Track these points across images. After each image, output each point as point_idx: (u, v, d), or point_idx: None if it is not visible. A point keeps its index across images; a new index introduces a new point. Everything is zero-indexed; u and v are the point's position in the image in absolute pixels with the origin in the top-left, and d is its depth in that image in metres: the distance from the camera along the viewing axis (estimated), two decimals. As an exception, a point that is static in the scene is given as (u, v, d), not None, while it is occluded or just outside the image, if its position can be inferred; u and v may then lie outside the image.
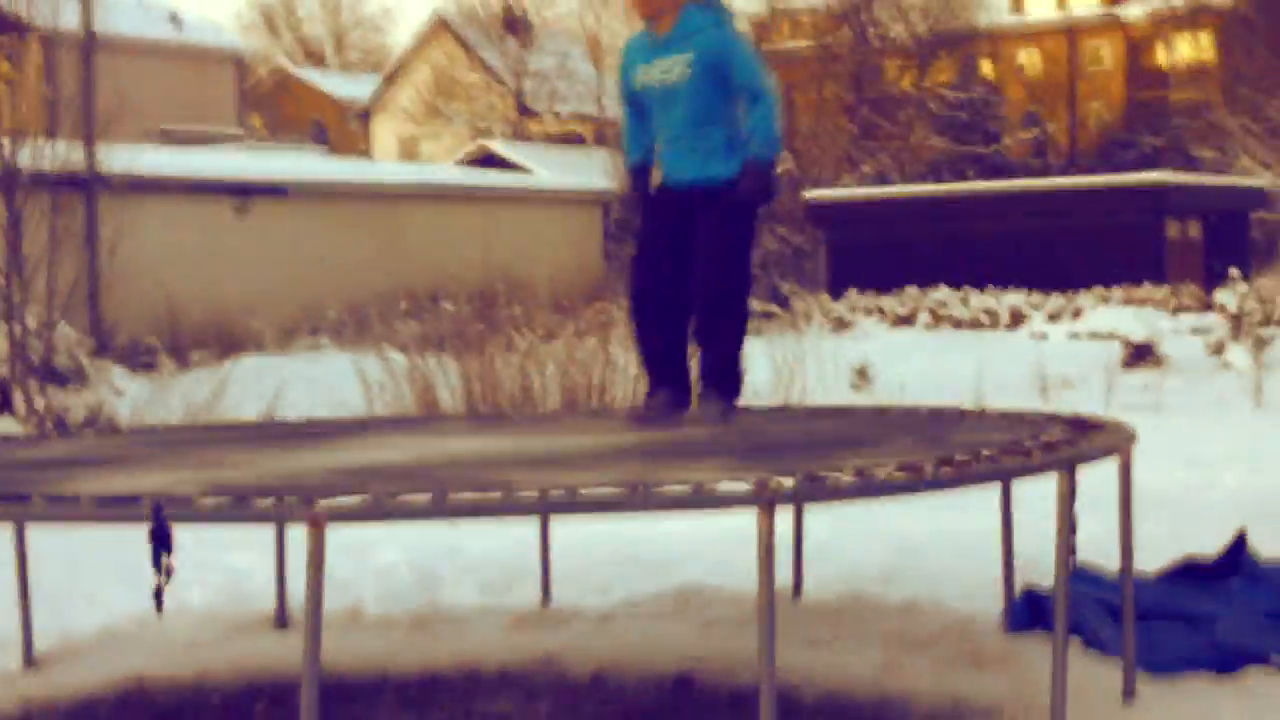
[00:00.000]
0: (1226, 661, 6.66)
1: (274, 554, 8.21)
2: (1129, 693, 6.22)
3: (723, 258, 6.95)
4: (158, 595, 7.88)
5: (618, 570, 8.81)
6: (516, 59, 60.88)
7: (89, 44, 27.02)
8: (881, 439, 6.65)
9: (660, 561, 8.89)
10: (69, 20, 24.74)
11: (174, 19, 58.04)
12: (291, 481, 5.68)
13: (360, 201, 35.35)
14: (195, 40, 58.34)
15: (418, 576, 9.14)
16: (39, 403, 16.42)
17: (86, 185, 21.95)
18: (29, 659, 7.42)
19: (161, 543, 5.03)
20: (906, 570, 8.94)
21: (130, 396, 17.52)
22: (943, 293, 36.91)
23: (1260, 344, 21.10)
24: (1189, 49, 59.51)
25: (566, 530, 8.55)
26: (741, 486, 5.08)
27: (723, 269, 6.97)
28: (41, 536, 7.39)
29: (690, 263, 7.03)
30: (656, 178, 7.28)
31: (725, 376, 7.35)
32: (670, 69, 6.84)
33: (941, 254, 39.88)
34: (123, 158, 23.25)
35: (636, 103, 7.15)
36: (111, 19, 32.88)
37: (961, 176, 49.62)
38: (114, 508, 5.19)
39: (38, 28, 20.90)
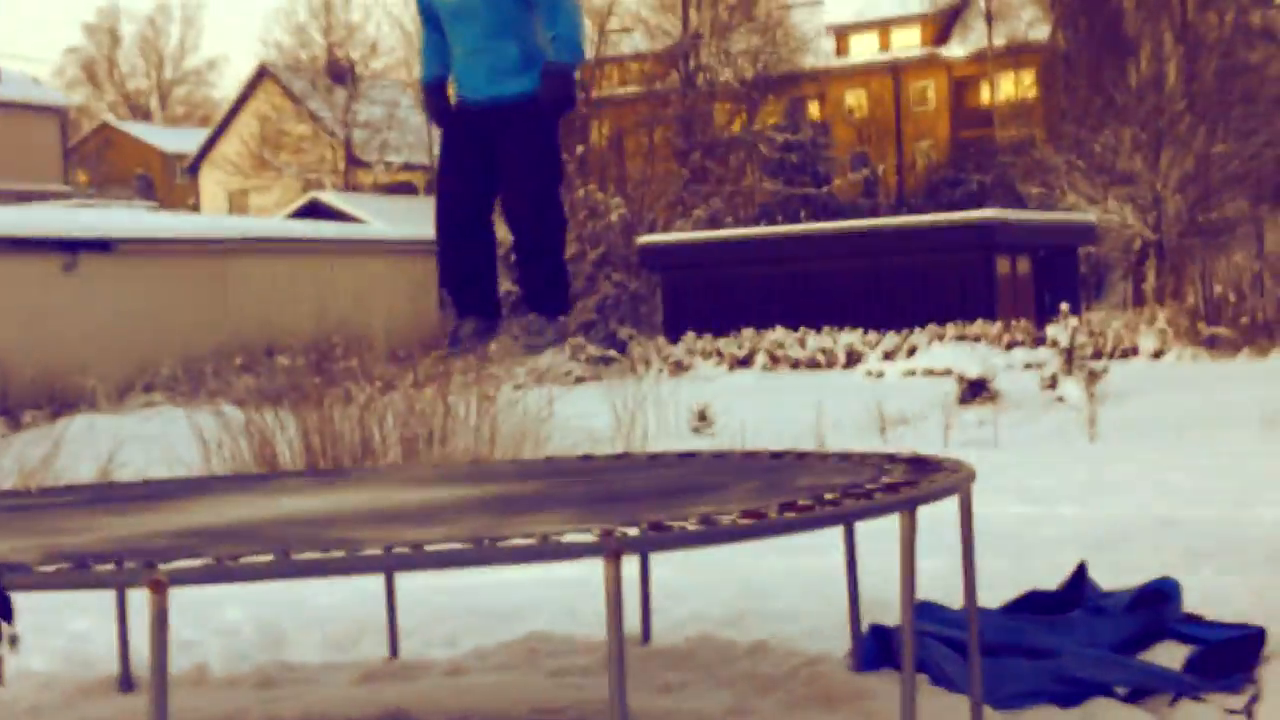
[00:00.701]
0: (1071, 694, 6.76)
1: (115, 617, 8.16)
2: (976, 728, 6.35)
3: (531, 175, 6.74)
4: (-2, 665, 7.81)
5: (465, 621, 8.78)
6: (344, 109, 60.62)
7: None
8: (724, 484, 6.74)
9: (507, 611, 8.88)
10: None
11: (-4, 74, 57.24)
12: (131, 546, 5.66)
13: (189, 255, 35.02)
14: (16, 95, 57.49)
15: (262, 634, 9.06)
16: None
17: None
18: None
19: (2, 613, 5.01)
20: (754, 612, 9.00)
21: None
22: (779, 334, 37.20)
23: (1092, 377, 21.49)
24: (1011, 87, 60.49)
25: (412, 582, 8.53)
26: (586, 537, 5.15)
27: (534, 186, 6.76)
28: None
29: (496, 182, 6.85)
30: (454, 95, 7.04)
31: (552, 288, 7.13)
32: None
33: (776, 295, 40.19)
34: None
35: (432, 14, 6.86)
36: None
37: (794, 218, 50.02)
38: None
39: None
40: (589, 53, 59.16)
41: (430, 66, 7.02)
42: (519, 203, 6.79)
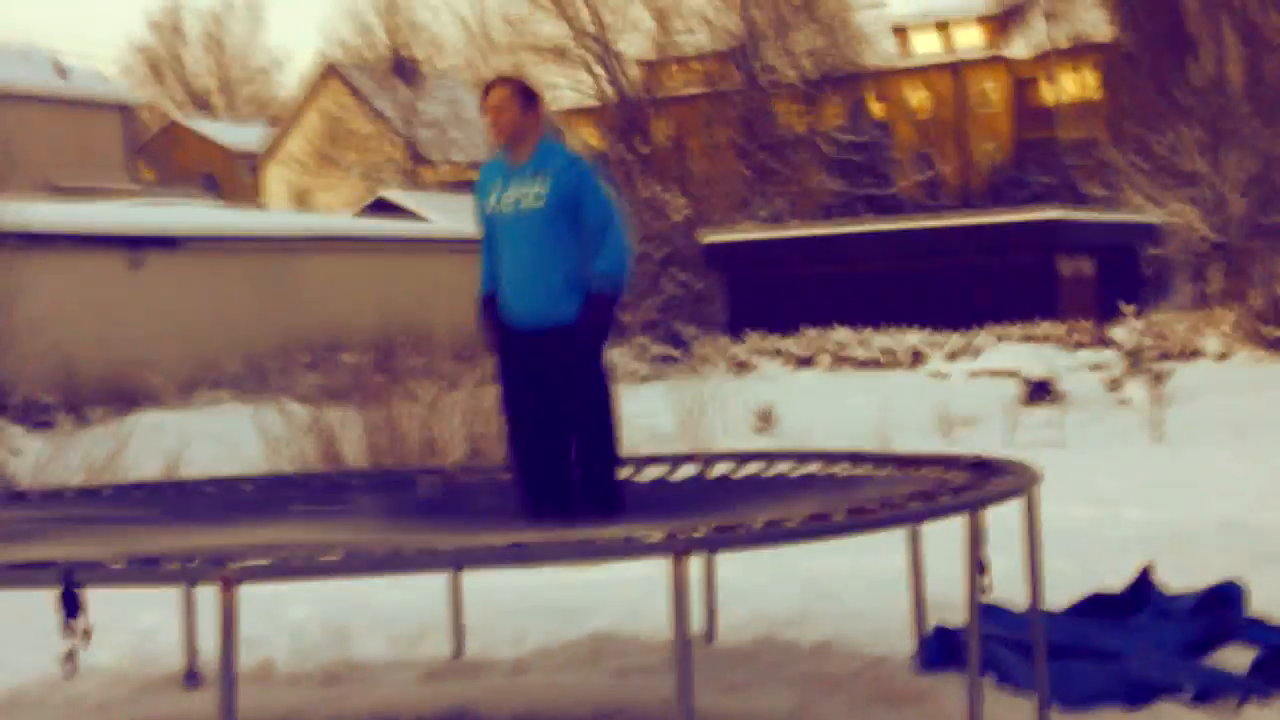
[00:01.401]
0: (1137, 695, 6.75)
1: (181, 613, 8.22)
2: (1042, 728, 6.35)
3: (574, 399, 6.86)
4: (69, 659, 7.91)
5: (529, 620, 8.80)
6: (408, 107, 60.72)
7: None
8: (790, 486, 6.76)
9: (571, 610, 8.90)
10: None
11: (59, 68, 57.35)
12: (200, 543, 5.72)
13: (254, 252, 35.10)
14: (81, 90, 57.68)
15: (328, 631, 9.10)
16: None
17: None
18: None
19: (73, 608, 5.07)
20: (818, 612, 8.99)
21: (29, 455, 17.35)
22: (842, 334, 37.11)
23: (1157, 379, 21.36)
24: (1074, 86, 60.13)
25: (477, 581, 8.56)
26: (654, 536, 5.19)
27: (578, 410, 6.87)
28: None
29: (553, 393, 6.89)
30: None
31: (597, 503, 7.01)
32: (524, 196, 6.73)
33: (840, 294, 40.02)
34: (12, 211, 23.04)
35: (488, 225, 7.01)
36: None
37: (856, 217, 49.91)
38: (24, 573, 5.22)
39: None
40: (654, 53, 59.46)
41: (485, 283, 7.11)
42: (564, 424, 6.88)
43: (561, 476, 6.91)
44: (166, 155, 72.27)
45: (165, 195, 54.52)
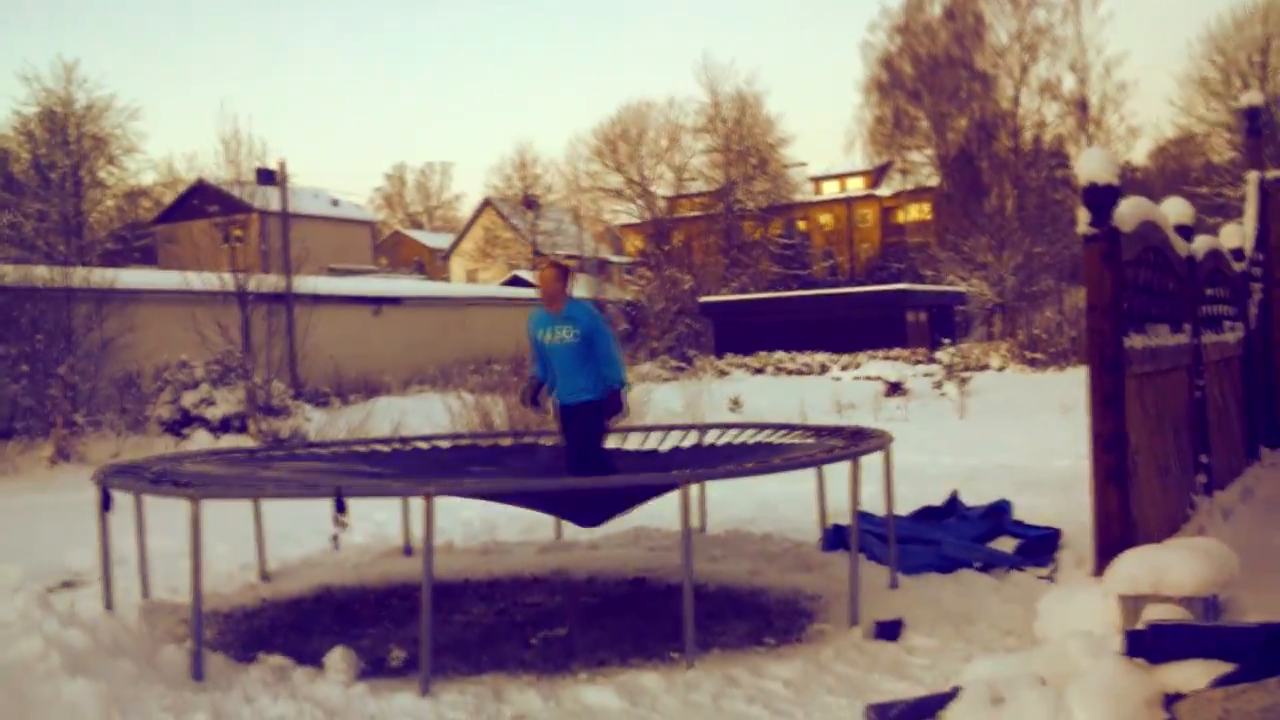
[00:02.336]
0: (948, 566, 6.79)
1: (401, 513, 8.29)
2: (894, 585, 6.35)
3: (582, 442, 6.79)
4: (335, 538, 7.97)
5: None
6: (531, 224, 60.86)
7: (285, 218, 27.01)
8: (748, 445, 6.81)
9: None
10: (274, 204, 24.82)
11: (334, 201, 57.86)
12: (411, 472, 5.80)
13: (444, 307, 35.28)
14: (346, 214, 58.09)
15: (484, 524, 9.18)
16: (263, 426, 16.37)
17: (287, 300, 21.94)
18: (263, 575, 7.45)
19: (340, 508, 5.12)
20: (764, 516, 9.02)
21: (315, 422, 17.48)
22: (780, 354, 37.08)
23: (962, 381, 21.34)
24: (916, 212, 59.96)
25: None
26: (669, 477, 5.23)
27: (580, 447, 6.78)
28: (268, 505, 7.43)
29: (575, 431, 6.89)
30: (550, 395, 7.08)
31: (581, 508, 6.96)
32: (563, 335, 6.73)
33: (779, 331, 40.25)
34: (307, 283, 23.27)
35: (539, 347, 6.95)
36: (298, 201, 32.82)
37: (788, 288, 50.04)
38: (313, 489, 5.28)
39: (256, 209, 20.90)
40: (673, 192, 59.58)
41: (535, 372, 7.07)
42: (571, 459, 6.83)
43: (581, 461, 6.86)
44: (394, 251, 72.46)
45: (393, 274, 54.76)
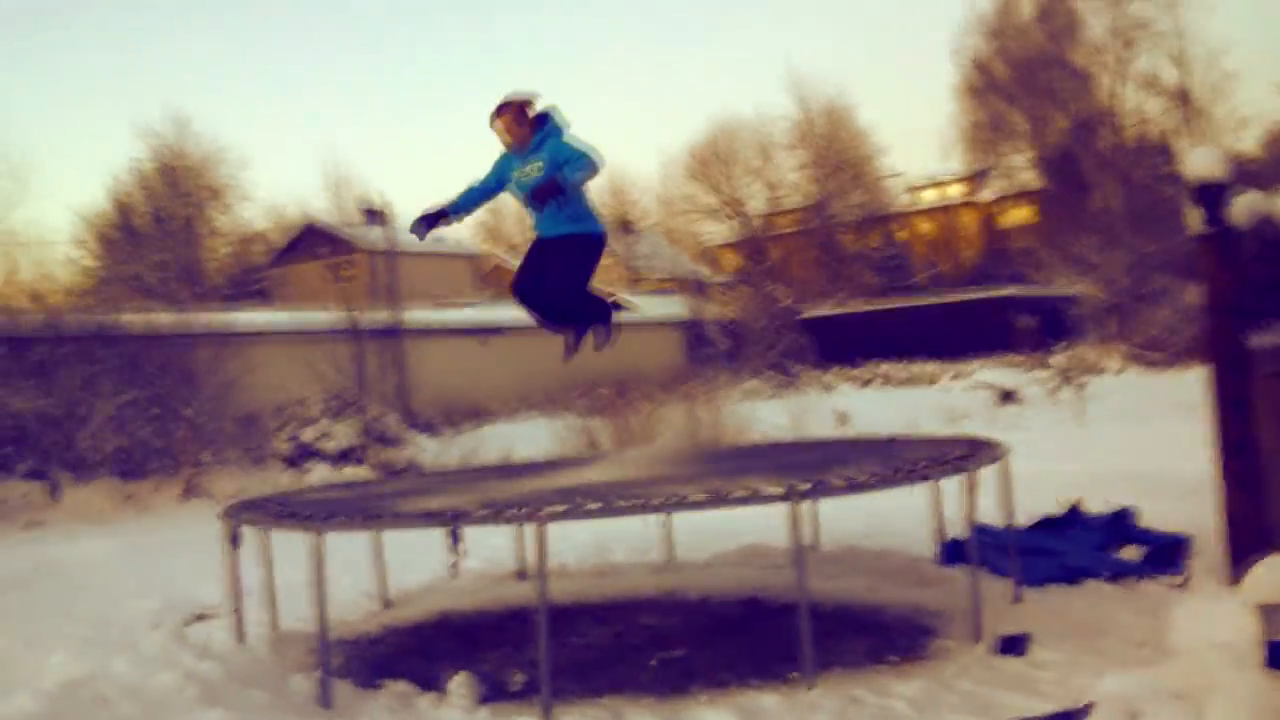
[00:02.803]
0: (1072, 577, 6.60)
1: (514, 537, 8.35)
2: (1017, 598, 6.20)
3: (559, 274, 6.40)
4: (453, 565, 8.04)
5: (709, 538, 8.82)
6: (629, 246, 61.23)
7: (392, 254, 27.57)
8: (861, 457, 6.70)
9: (733, 532, 8.88)
10: (381, 242, 25.30)
11: (439, 237, 58.99)
12: (524, 498, 5.82)
13: (548, 334, 35.64)
14: (449, 247, 59.06)
15: (597, 546, 9.20)
16: (378, 457, 16.68)
17: (396, 334, 22.36)
18: (385, 603, 7.57)
19: (455, 537, 5.18)
20: (879, 531, 8.88)
21: (428, 451, 17.73)
22: (886, 366, 36.68)
23: (1078, 387, 20.85)
24: (1020, 215, 58.90)
25: (678, 517, 8.56)
26: (778, 490, 5.18)
27: (559, 279, 6.43)
28: (387, 535, 7.54)
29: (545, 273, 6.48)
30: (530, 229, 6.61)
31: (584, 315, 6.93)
32: (530, 171, 6.20)
33: (885, 342, 39.82)
34: (415, 316, 23.70)
35: (500, 184, 6.44)
36: (403, 238, 33.37)
37: (889, 300, 49.55)
38: (430, 518, 5.34)
39: (363, 248, 21.35)
40: (768, 208, 59.41)
41: (463, 196, 6.55)
42: (551, 287, 6.54)
43: (554, 306, 6.75)
44: (497, 282, 73.41)
45: (497, 304, 55.46)
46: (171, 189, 43.79)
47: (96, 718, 4.51)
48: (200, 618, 7.71)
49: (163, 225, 41.87)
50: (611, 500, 5.20)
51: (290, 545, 6.52)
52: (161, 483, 17.03)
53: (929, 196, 65.92)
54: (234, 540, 6.05)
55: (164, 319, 19.02)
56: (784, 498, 5.17)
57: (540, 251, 6.45)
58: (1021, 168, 53.52)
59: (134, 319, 18.79)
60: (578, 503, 5.18)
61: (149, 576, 9.66)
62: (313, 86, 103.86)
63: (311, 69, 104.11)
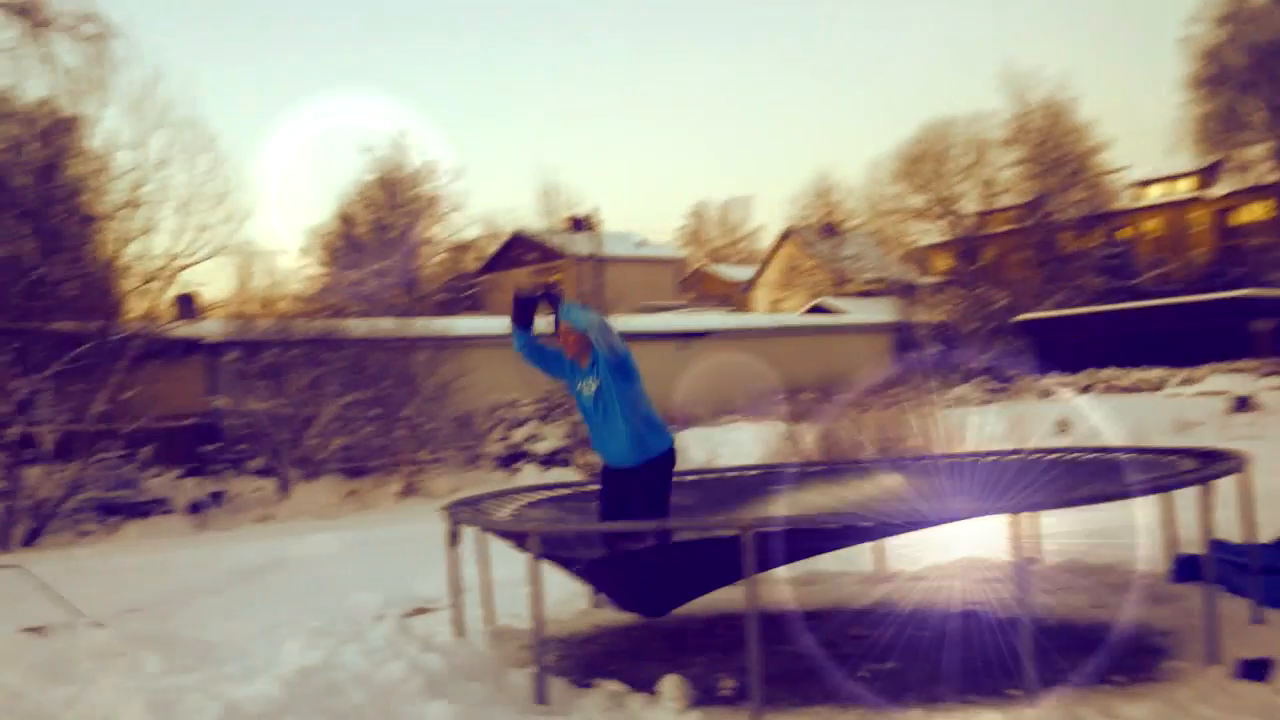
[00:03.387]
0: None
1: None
2: (1257, 619, 5.84)
3: (630, 512, 6.06)
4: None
5: (923, 548, 8.63)
6: (833, 250, 60.56)
7: (598, 261, 28.09)
8: (1087, 468, 6.45)
9: (950, 543, 8.68)
10: (586, 249, 25.84)
11: (641, 242, 59.84)
12: (733, 506, 5.85)
13: (748, 338, 35.66)
14: (653, 253, 59.86)
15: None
16: (585, 459, 17.01)
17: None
18: (596, 602, 7.71)
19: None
20: (1104, 545, 8.52)
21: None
22: (1109, 371, 35.11)
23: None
24: (1256, 211, 55.47)
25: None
26: (999, 503, 5.04)
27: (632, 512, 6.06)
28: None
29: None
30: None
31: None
32: (592, 385, 6.22)
33: (1106, 346, 38.08)
34: (619, 322, 24.09)
35: (550, 368, 6.46)
36: (607, 245, 34.04)
37: (1113, 300, 47.25)
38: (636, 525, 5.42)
39: (569, 255, 21.81)
40: (981, 207, 57.73)
41: (527, 352, 6.56)
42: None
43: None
44: (698, 286, 73.86)
45: (698, 309, 55.86)
46: (390, 201, 45.95)
47: (329, 704, 4.77)
48: (419, 611, 8.04)
49: (382, 235, 43.94)
50: (818, 514, 5.16)
51: (502, 543, 6.73)
52: (381, 480, 17.85)
53: (1155, 193, 62.74)
54: (453, 538, 6.29)
55: (384, 324, 19.92)
56: (1005, 510, 5.01)
57: (614, 481, 6.22)
58: (1257, 161, 50.26)
59: (357, 325, 19.76)
60: (786, 515, 5.16)
61: (371, 570, 10.14)
62: (529, 102, 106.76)
63: (528, 86, 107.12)
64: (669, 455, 6.28)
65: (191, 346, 19.77)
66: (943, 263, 60.06)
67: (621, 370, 6.23)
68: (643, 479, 6.15)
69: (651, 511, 6.04)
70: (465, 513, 6.29)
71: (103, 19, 17.89)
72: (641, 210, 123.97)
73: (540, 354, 6.50)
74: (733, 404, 30.50)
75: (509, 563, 7.31)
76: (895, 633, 6.42)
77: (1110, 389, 33.44)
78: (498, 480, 17.31)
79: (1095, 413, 23.75)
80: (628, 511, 6.07)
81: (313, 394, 18.15)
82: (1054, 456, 7.52)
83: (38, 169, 17.21)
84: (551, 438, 17.55)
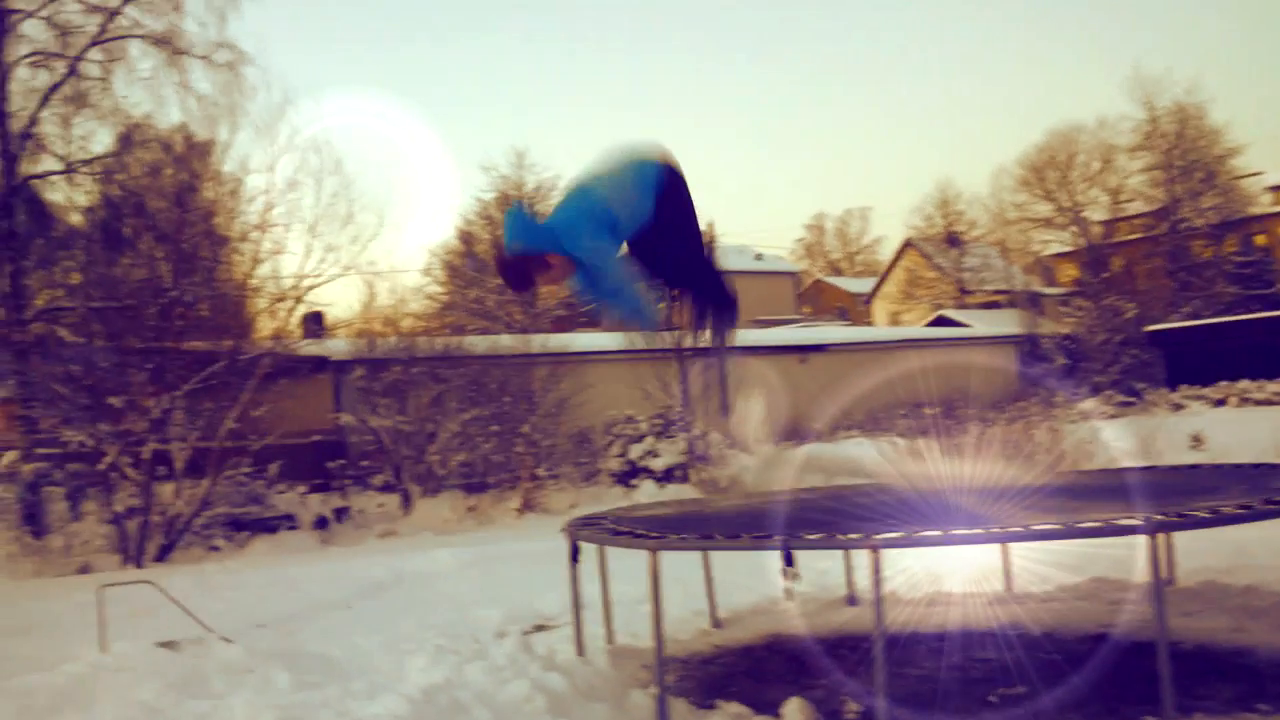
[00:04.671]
0: None
1: (843, 562, 8.29)
2: None
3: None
4: (785, 589, 8.07)
5: (1051, 569, 8.41)
6: (955, 261, 59.56)
7: (714, 274, 28.12)
8: (1222, 486, 6.21)
9: (1079, 564, 8.42)
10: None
11: (758, 256, 59.65)
12: (858, 523, 5.76)
13: (868, 351, 35.28)
14: (770, 266, 59.66)
15: (927, 573, 8.98)
16: (703, 475, 17.01)
17: (718, 352, 22.75)
18: (715, 622, 7.70)
19: (788, 560, 5.19)
20: (1242, 566, 8.18)
21: (750, 469, 17.87)
22: (1244, 383, 33.78)
23: None
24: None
25: (1017, 546, 8.22)
26: (1134, 521, 4.89)
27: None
28: (717, 555, 7.66)
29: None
30: None
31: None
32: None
33: (1243, 357, 36.59)
34: (736, 336, 24.03)
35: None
36: (725, 259, 34.03)
37: (1249, 310, 45.41)
38: (761, 541, 5.38)
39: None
40: (1108, 215, 56.07)
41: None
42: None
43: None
44: (816, 299, 73.37)
45: (816, 321, 55.47)
46: (508, 217, 46.72)
47: (454, 721, 4.84)
48: (539, 628, 8.12)
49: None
50: (949, 528, 5.06)
51: (621, 561, 6.76)
52: (501, 496, 18.09)
53: (1293, 200, 60.35)
54: (574, 555, 6.34)
55: (504, 341, 20.23)
56: (1141, 529, 4.86)
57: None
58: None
59: (477, 342, 20.09)
60: (913, 529, 5.08)
61: (491, 586, 10.27)
62: (646, 114, 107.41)
63: (644, 98, 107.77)
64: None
65: (319, 364, 20.35)
66: (1069, 273, 58.61)
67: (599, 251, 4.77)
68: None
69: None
70: (587, 530, 6.34)
71: (236, 46, 18.63)
72: (759, 223, 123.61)
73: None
74: (851, 418, 30.16)
75: (628, 581, 7.35)
76: (1026, 656, 6.26)
77: (1245, 401, 32.17)
78: (615, 497, 17.41)
79: (1230, 426, 22.88)
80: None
81: (434, 411, 18.51)
82: (1189, 472, 7.24)
83: (173, 193, 17.92)
84: (668, 454, 17.58)
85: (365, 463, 18.64)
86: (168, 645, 7.36)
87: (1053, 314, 48.70)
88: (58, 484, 16.63)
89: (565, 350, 20.66)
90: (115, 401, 15.45)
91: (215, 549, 15.76)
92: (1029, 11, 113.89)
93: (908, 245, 65.43)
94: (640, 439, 17.94)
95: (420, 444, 18.42)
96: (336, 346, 20.85)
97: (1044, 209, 58.33)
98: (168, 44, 18.33)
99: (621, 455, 18.04)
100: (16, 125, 17.76)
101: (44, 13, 17.97)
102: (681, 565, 8.03)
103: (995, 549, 8.21)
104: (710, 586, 7.73)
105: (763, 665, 6.49)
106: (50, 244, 18.94)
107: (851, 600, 7.99)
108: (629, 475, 17.85)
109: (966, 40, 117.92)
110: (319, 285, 18.37)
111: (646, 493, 16.93)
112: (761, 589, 8.56)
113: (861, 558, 5.27)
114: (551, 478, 18.76)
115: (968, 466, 14.67)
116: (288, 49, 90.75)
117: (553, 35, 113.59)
